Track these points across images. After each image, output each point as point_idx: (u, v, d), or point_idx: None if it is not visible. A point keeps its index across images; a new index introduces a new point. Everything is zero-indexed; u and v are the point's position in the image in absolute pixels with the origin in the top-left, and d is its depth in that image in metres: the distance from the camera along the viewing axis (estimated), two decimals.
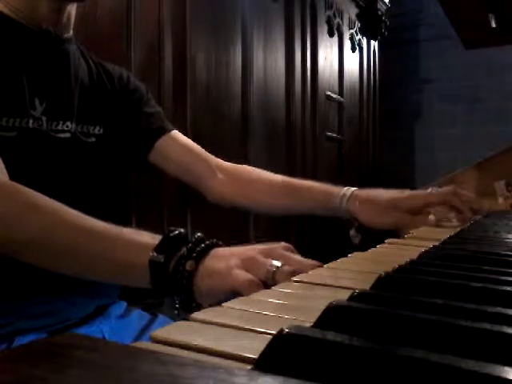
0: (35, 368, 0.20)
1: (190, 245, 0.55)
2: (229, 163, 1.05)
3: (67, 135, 0.85)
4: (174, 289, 0.54)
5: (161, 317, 0.94)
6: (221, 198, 1.03)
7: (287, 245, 0.58)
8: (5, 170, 0.69)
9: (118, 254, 0.57)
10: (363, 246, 0.81)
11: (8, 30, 0.81)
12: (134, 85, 1.00)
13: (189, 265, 0.54)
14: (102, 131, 0.90)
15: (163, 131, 1.00)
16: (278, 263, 0.52)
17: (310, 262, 0.54)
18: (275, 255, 0.54)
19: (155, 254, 0.55)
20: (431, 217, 0.88)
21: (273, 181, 1.02)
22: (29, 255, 0.61)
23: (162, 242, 0.56)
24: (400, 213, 0.90)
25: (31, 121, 0.80)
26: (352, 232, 0.97)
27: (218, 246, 0.57)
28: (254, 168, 1.06)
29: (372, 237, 0.86)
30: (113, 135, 0.93)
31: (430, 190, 0.92)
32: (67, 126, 0.85)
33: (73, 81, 0.88)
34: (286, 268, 0.51)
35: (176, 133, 1.02)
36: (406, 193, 0.93)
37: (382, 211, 0.90)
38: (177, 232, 0.57)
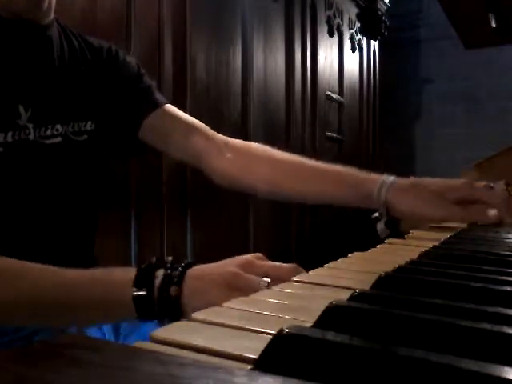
0: (35, 368, 0.20)
1: (167, 270, 0.54)
2: (239, 140, 0.92)
3: (58, 140, 0.79)
4: (163, 315, 0.54)
5: None
6: (230, 180, 0.90)
7: (258, 254, 0.59)
8: None
9: (100, 298, 0.55)
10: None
11: None
12: (123, 59, 0.91)
13: (173, 290, 0.53)
14: (93, 126, 0.84)
15: (153, 106, 0.89)
16: (267, 279, 0.52)
17: (287, 266, 0.54)
18: (255, 268, 0.54)
19: (135, 289, 0.54)
20: (492, 212, 0.76)
21: (295, 162, 0.89)
22: (10, 320, 0.59)
23: (138, 276, 0.54)
24: (452, 204, 0.77)
25: (17, 132, 0.74)
26: (380, 226, 0.85)
27: (191, 265, 0.56)
28: (269, 148, 0.91)
29: (398, 233, 0.79)
30: (105, 124, 0.87)
31: (484, 183, 0.81)
32: (57, 130, 0.79)
33: (58, 73, 0.81)
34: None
35: (169, 106, 0.91)
36: (457, 180, 0.80)
37: (430, 202, 0.77)
38: (148, 263, 0.56)
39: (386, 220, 0.83)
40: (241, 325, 0.31)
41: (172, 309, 0.53)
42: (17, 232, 0.76)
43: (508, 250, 0.54)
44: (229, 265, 0.55)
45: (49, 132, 0.78)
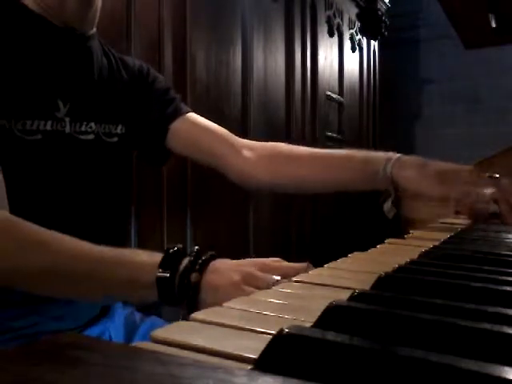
0: (35, 368, 0.20)
1: (192, 258, 0.58)
2: (256, 142, 0.99)
3: (91, 137, 0.84)
4: (181, 300, 0.56)
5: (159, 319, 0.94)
6: (247, 178, 0.97)
7: (276, 259, 0.61)
8: (6, 201, 0.67)
9: (125, 275, 0.58)
10: (395, 221, 0.76)
11: (34, 27, 0.80)
12: (153, 76, 0.99)
13: (194, 277, 0.56)
14: (124, 130, 0.90)
15: (177, 114, 0.97)
16: (277, 277, 0.55)
17: (299, 264, 0.57)
18: (270, 268, 0.57)
19: (160, 270, 0.57)
20: (488, 190, 0.78)
21: (305, 153, 0.95)
22: (36, 287, 0.61)
23: (164, 259, 0.58)
24: (453, 184, 0.80)
25: (55, 123, 0.79)
26: (387, 205, 0.86)
27: (215, 257, 0.60)
28: (282, 143, 0.99)
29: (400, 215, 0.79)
30: (134, 132, 0.93)
31: (487, 175, 0.84)
32: (90, 127, 0.84)
33: (96, 80, 0.87)
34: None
35: (192, 114, 0.99)
36: (467, 167, 0.83)
37: (436, 179, 0.81)
38: (175, 248, 0.59)
39: (393, 198, 0.84)
40: (241, 325, 0.31)
41: (190, 295, 0.56)
42: (47, 214, 0.78)
43: (508, 250, 0.54)
44: (247, 264, 0.58)
45: (83, 128, 0.84)
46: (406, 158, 0.84)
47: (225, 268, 0.57)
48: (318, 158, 0.93)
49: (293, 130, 2.26)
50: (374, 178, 0.84)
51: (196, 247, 0.60)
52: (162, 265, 0.57)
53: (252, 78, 1.97)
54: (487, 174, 0.84)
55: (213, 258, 0.59)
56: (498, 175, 0.85)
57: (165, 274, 0.56)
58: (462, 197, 0.81)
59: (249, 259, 0.60)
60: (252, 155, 0.96)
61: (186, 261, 0.57)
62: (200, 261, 0.57)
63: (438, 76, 3.47)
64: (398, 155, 0.85)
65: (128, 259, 0.59)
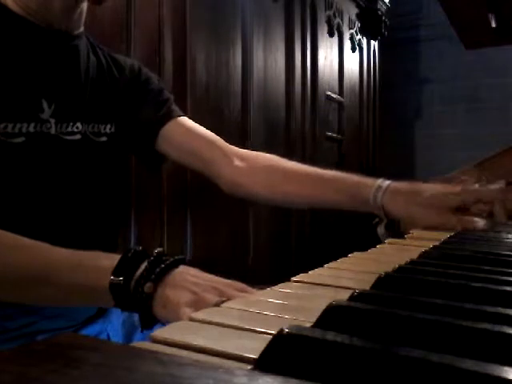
0: (35, 368, 0.20)
1: (148, 265, 0.54)
2: (248, 151, 0.98)
3: (77, 137, 0.82)
4: (135, 309, 0.54)
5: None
6: (237, 187, 0.96)
7: (243, 286, 0.54)
8: None
9: (80, 280, 0.55)
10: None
11: (16, 28, 0.78)
12: (145, 76, 0.97)
13: (147, 287, 0.52)
14: (113, 130, 0.88)
15: (169, 117, 0.95)
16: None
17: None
18: (230, 297, 0.50)
19: (113, 276, 0.53)
20: (481, 222, 0.78)
21: (297, 169, 0.94)
22: None
23: (119, 264, 0.54)
24: (447, 211, 0.80)
25: (39, 124, 0.77)
26: (380, 230, 0.87)
27: (177, 263, 0.55)
28: (276, 156, 0.98)
29: (399, 234, 0.80)
30: (124, 131, 0.91)
31: (477, 185, 0.84)
32: (77, 128, 0.82)
33: (83, 79, 0.85)
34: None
35: (184, 118, 0.97)
36: (456, 187, 0.83)
37: (426, 207, 0.80)
38: (133, 251, 0.55)
39: (386, 223, 0.84)
40: (241, 325, 0.31)
41: (143, 305, 0.52)
42: (33, 220, 0.77)
43: (508, 250, 0.54)
44: (207, 286, 0.52)
45: (69, 128, 0.82)
46: (396, 185, 0.84)
47: (182, 282, 0.52)
48: (309, 175, 0.93)
49: (293, 130, 2.26)
50: (365, 204, 0.85)
51: (157, 249, 0.55)
52: (117, 270, 0.54)
53: (252, 78, 1.97)
54: (476, 185, 0.85)
55: (176, 264, 0.55)
56: (485, 181, 0.86)
57: (118, 281, 0.53)
58: (453, 225, 0.80)
59: (216, 278, 0.54)
60: (243, 165, 0.94)
61: (143, 267, 0.54)
62: (158, 269, 0.53)
63: (438, 76, 3.47)
64: (388, 183, 0.84)
65: (85, 263, 0.56)
